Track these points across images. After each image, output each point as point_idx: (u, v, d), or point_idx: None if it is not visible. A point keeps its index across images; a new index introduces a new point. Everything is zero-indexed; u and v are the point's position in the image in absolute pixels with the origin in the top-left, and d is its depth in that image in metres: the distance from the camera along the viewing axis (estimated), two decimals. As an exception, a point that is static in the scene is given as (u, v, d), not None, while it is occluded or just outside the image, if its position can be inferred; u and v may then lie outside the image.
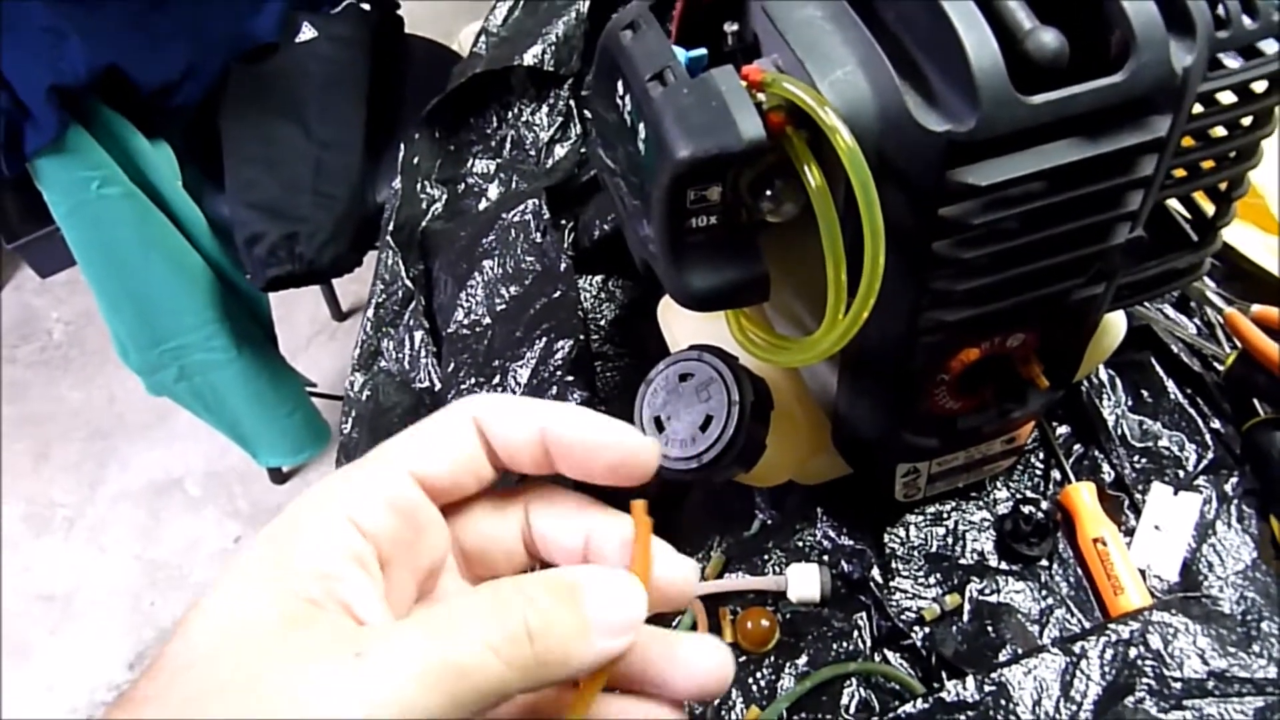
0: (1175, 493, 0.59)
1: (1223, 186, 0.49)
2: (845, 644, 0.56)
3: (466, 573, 0.31)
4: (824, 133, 0.36)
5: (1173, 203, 0.52)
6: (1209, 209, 0.50)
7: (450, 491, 0.29)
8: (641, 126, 0.40)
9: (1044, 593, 0.57)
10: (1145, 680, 0.50)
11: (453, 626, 0.24)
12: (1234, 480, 0.59)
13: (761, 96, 0.38)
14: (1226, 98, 0.44)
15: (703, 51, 0.40)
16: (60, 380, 1.91)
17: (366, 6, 1.44)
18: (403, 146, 0.78)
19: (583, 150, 0.79)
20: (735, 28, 0.43)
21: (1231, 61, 0.43)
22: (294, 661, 0.23)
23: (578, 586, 0.25)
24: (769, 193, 0.39)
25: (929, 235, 0.39)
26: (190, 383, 1.38)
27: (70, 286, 2.03)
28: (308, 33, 1.36)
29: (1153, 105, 0.38)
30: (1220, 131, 0.46)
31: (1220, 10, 0.41)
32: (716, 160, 0.37)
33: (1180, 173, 0.48)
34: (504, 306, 0.68)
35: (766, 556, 0.59)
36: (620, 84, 0.42)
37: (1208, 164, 0.48)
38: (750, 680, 0.55)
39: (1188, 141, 0.46)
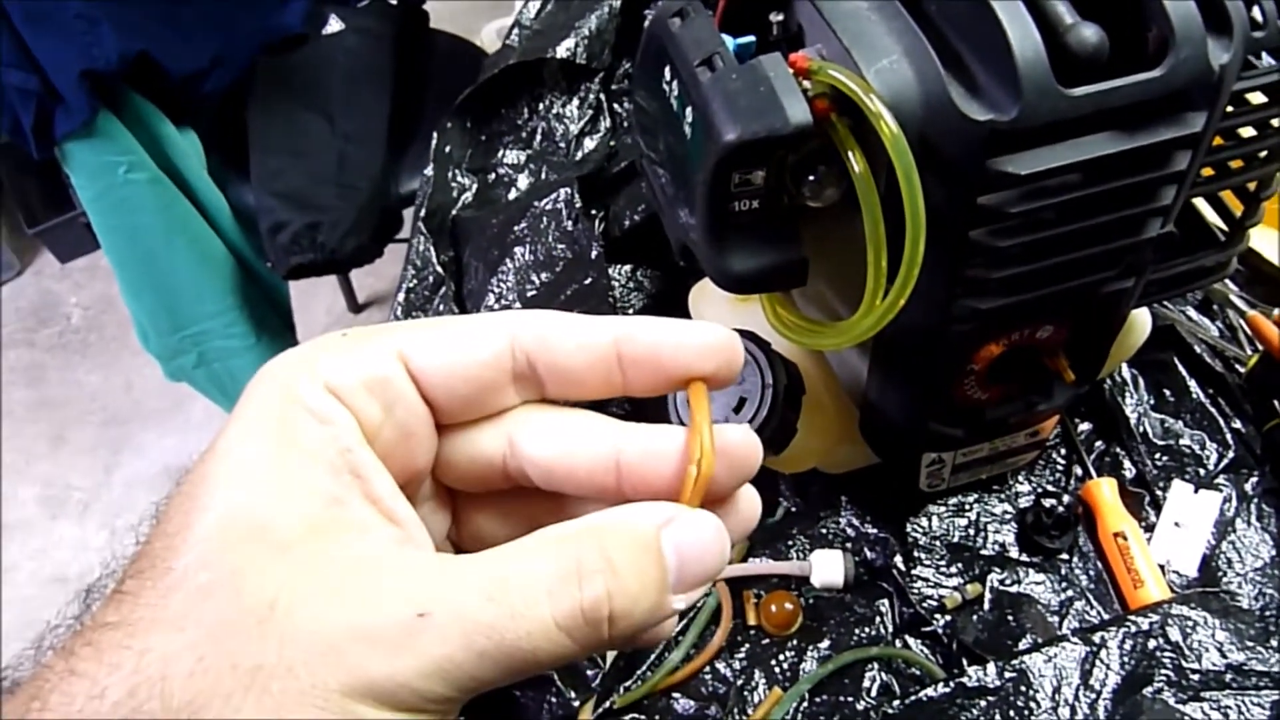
0: (1195, 490, 0.60)
1: (1251, 186, 0.50)
2: (867, 629, 0.57)
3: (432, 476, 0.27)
4: (867, 120, 0.37)
5: (1201, 203, 0.53)
6: (1233, 209, 0.51)
7: (444, 393, 0.25)
8: (688, 111, 0.41)
9: (1064, 584, 0.58)
10: (1164, 671, 0.51)
11: (526, 601, 0.21)
12: (1254, 480, 0.60)
13: (807, 84, 0.39)
14: (1257, 98, 0.45)
15: (751, 38, 0.41)
16: (78, 365, 1.93)
17: (393, 0, 1.46)
18: (435, 135, 0.79)
19: (612, 143, 0.80)
20: (780, 18, 0.44)
21: (1264, 62, 0.44)
22: (335, 594, 0.21)
23: (661, 544, 0.23)
24: (811, 178, 0.40)
25: (967, 223, 0.40)
26: (209, 369, 1.39)
27: (89, 272, 2.05)
28: (334, 25, 1.38)
29: (1189, 101, 0.39)
30: (1249, 131, 0.47)
31: (1255, 12, 0.42)
32: (764, 143, 0.38)
33: (1208, 171, 0.49)
34: (535, 293, 0.69)
35: (790, 542, 0.60)
36: (667, 70, 0.43)
37: (1236, 164, 0.49)
38: (773, 662, 0.56)
39: (1216, 141, 0.47)
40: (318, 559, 0.22)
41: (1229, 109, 0.44)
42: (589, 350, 0.25)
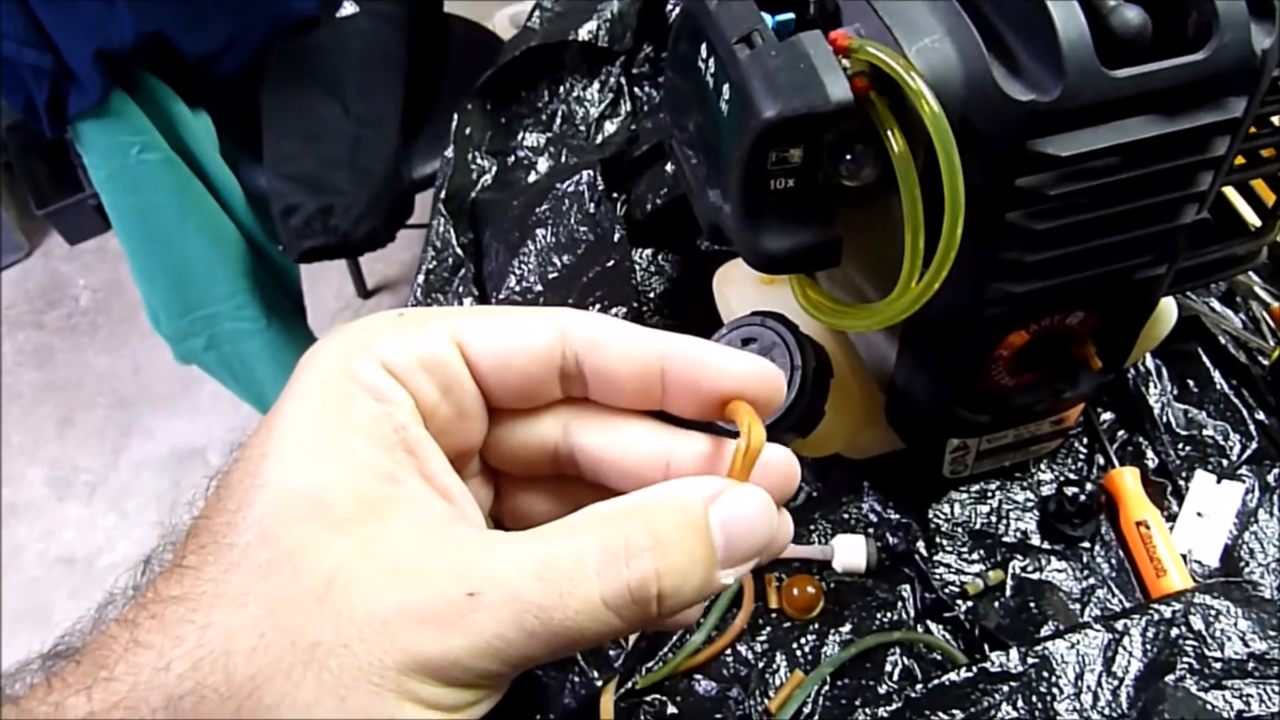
0: (1218, 481, 0.60)
1: (1283, 175, 0.50)
2: (889, 614, 0.57)
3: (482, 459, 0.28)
4: (907, 99, 0.37)
5: (1231, 192, 0.53)
6: (1265, 198, 0.51)
7: (494, 379, 0.26)
8: (725, 89, 0.41)
9: (1086, 572, 0.58)
10: (1186, 659, 0.51)
11: (575, 581, 0.22)
12: (1276, 470, 0.60)
13: (846, 62, 0.39)
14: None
15: (790, 15, 0.41)
16: (86, 347, 1.93)
17: (407, -16, 1.46)
18: (455, 117, 0.79)
19: (633, 127, 0.80)
20: (818, -4, 0.44)
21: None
22: (389, 572, 0.22)
23: (709, 521, 0.23)
24: (849, 157, 0.40)
25: (1004, 205, 0.40)
26: (219, 351, 1.39)
27: (98, 254, 2.05)
28: (349, 8, 1.37)
29: (1230, 85, 0.39)
30: (1284, 120, 0.47)
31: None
32: (803, 121, 0.38)
33: (1240, 160, 0.49)
34: (556, 275, 0.68)
35: (813, 527, 0.60)
36: (704, 47, 0.42)
37: (1268, 152, 0.49)
38: (794, 645, 0.56)
39: (1250, 130, 0.47)
40: (373, 536, 0.22)
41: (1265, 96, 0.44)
42: (635, 360, 0.26)
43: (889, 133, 0.39)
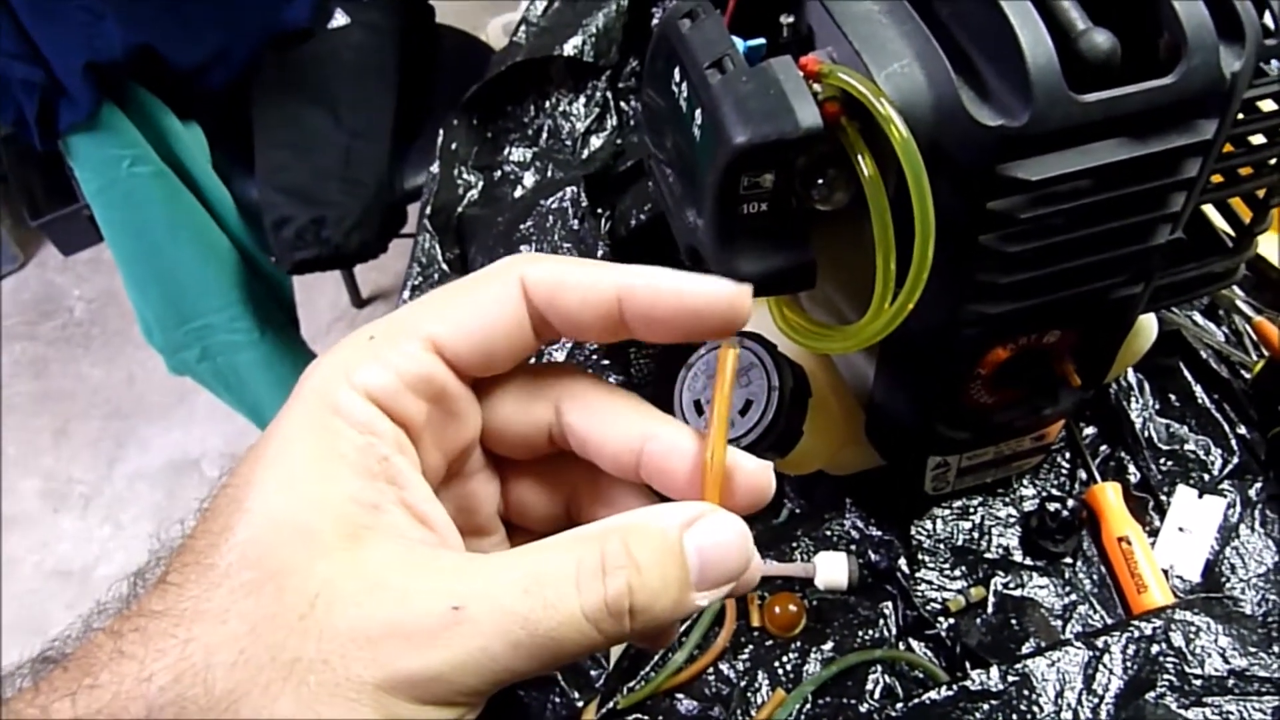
0: (1200, 496, 0.60)
1: (1260, 194, 0.50)
2: (871, 632, 0.57)
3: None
4: (877, 124, 0.37)
5: (1209, 209, 0.53)
6: (1243, 215, 0.51)
7: (480, 366, 0.27)
8: (698, 113, 0.41)
9: (1068, 589, 0.58)
10: (1166, 676, 0.51)
11: (558, 593, 0.22)
12: (1258, 485, 0.60)
13: (817, 87, 0.39)
14: (1268, 105, 0.45)
15: (761, 41, 0.41)
16: (81, 358, 1.93)
17: (398, -5, 1.46)
18: (441, 132, 0.79)
19: (619, 141, 0.80)
20: (791, 20, 0.44)
21: (1275, 69, 0.44)
22: (373, 591, 0.22)
23: (684, 544, 0.24)
24: (821, 181, 0.40)
25: (976, 228, 0.40)
26: (212, 363, 1.39)
27: (92, 265, 2.05)
28: (340, 19, 1.38)
29: (1200, 108, 0.39)
30: (1260, 139, 0.47)
31: (1267, 18, 0.42)
32: (774, 147, 0.38)
33: (1217, 178, 0.49)
34: (540, 292, 0.69)
35: (795, 544, 0.60)
36: (677, 71, 0.42)
37: (1245, 171, 0.49)
38: (776, 664, 0.56)
39: (1226, 148, 0.47)
40: (358, 560, 0.23)
41: (1240, 116, 0.44)
42: (592, 304, 0.26)
43: (859, 157, 0.39)
